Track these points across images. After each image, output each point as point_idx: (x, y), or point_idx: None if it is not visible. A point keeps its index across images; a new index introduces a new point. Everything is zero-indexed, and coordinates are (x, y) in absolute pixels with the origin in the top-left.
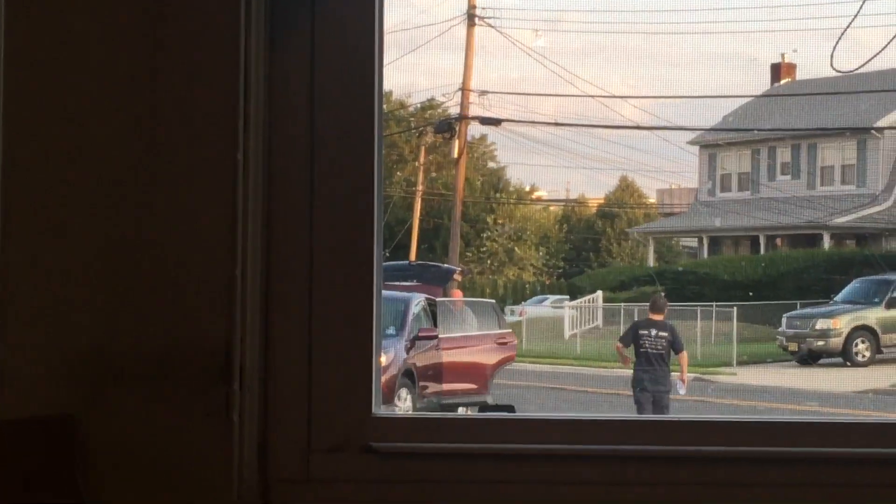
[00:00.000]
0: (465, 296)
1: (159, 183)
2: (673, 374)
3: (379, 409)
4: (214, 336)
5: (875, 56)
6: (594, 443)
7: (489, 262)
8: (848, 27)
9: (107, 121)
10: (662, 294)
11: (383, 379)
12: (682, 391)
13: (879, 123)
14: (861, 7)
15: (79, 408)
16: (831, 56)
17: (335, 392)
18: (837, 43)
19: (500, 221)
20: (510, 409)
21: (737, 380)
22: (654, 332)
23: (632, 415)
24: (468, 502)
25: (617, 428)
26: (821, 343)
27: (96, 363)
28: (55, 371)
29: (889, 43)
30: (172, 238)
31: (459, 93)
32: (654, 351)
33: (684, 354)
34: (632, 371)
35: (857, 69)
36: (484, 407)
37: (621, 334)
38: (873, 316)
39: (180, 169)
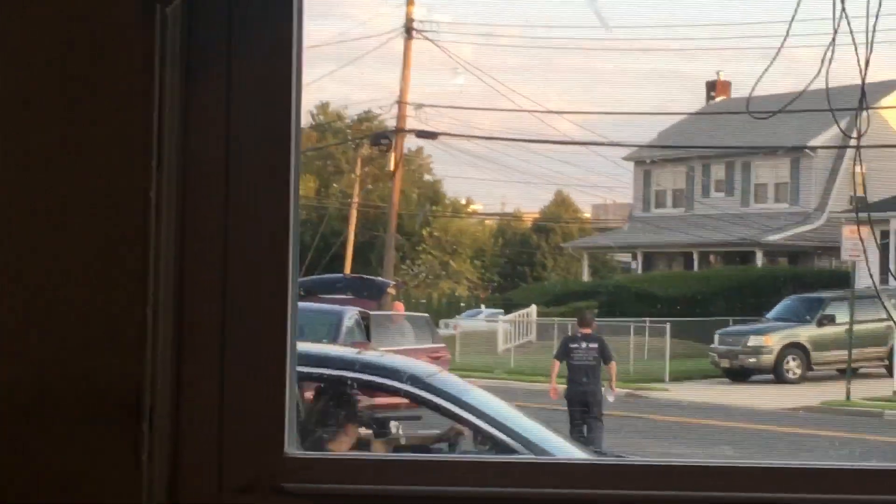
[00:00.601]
0: (400, 308)
1: (70, 219)
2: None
3: (292, 449)
4: (124, 376)
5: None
6: (506, 485)
7: (424, 275)
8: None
9: (15, 152)
10: (591, 310)
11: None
12: (612, 399)
13: (813, 143)
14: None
15: None
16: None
17: (247, 432)
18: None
19: (435, 234)
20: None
21: (669, 395)
22: (584, 344)
23: (543, 458)
24: None
25: (531, 470)
26: (752, 360)
27: (2, 402)
28: None
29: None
30: (82, 275)
31: (396, 105)
32: (585, 363)
33: (613, 365)
34: (565, 385)
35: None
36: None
37: (555, 351)
38: (805, 334)
39: (92, 205)
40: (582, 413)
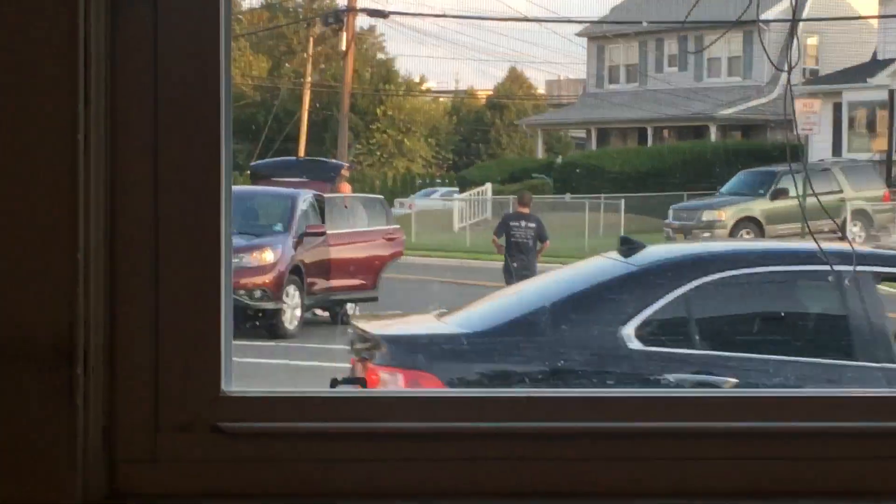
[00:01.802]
0: (355, 190)
1: None
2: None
3: (229, 388)
4: (57, 320)
5: None
6: (452, 420)
7: (378, 154)
8: None
9: None
10: (529, 191)
11: (271, 277)
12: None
13: (766, 16)
14: None
15: None
16: None
17: (183, 371)
18: None
19: (389, 113)
20: (362, 381)
21: None
22: (522, 223)
23: (493, 390)
24: (320, 482)
25: (474, 404)
26: (707, 234)
27: None
28: None
29: None
30: (12, 220)
31: None
32: (523, 240)
33: (547, 244)
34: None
35: None
36: (334, 382)
37: (495, 228)
38: (758, 207)
39: (19, 149)
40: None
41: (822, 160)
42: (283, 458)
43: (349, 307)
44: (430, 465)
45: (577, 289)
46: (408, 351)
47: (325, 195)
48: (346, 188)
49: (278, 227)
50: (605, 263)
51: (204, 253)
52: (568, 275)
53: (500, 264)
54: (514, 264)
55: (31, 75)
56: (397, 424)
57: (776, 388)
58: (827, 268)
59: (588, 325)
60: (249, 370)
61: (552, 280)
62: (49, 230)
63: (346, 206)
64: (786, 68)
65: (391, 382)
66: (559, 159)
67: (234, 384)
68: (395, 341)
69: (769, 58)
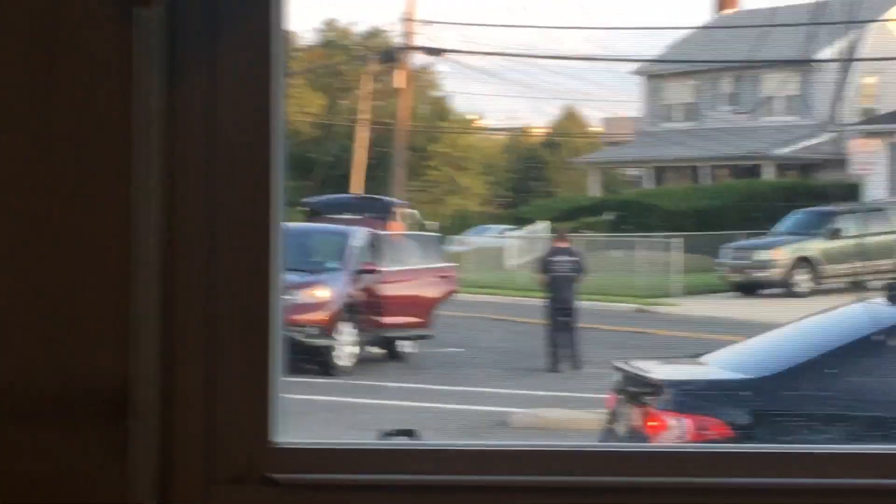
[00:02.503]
0: (409, 228)
1: (55, 219)
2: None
3: (280, 438)
4: (111, 372)
5: None
6: (500, 472)
7: (433, 191)
8: None
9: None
10: (566, 228)
11: (325, 313)
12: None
13: (822, 56)
14: None
15: None
16: None
17: (235, 423)
18: None
19: (443, 150)
20: (411, 433)
21: (679, 310)
22: (565, 258)
23: (542, 443)
24: None
25: (524, 457)
26: (762, 274)
27: None
28: None
29: None
30: (68, 274)
31: (404, 22)
32: (563, 274)
33: (584, 275)
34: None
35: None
36: (385, 434)
37: (538, 266)
38: (814, 247)
39: (75, 202)
40: (560, 319)
41: (877, 200)
42: None
43: (403, 345)
44: None
45: (853, 335)
46: (694, 396)
47: (379, 232)
48: (397, 226)
49: (333, 264)
50: (872, 309)
51: (256, 307)
52: (832, 321)
53: None
54: (556, 296)
55: (89, 137)
56: (447, 477)
57: None
58: None
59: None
60: (302, 407)
61: (811, 326)
62: (104, 285)
63: (397, 243)
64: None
65: (677, 428)
66: (610, 215)
67: (288, 421)
68: (680, 386)
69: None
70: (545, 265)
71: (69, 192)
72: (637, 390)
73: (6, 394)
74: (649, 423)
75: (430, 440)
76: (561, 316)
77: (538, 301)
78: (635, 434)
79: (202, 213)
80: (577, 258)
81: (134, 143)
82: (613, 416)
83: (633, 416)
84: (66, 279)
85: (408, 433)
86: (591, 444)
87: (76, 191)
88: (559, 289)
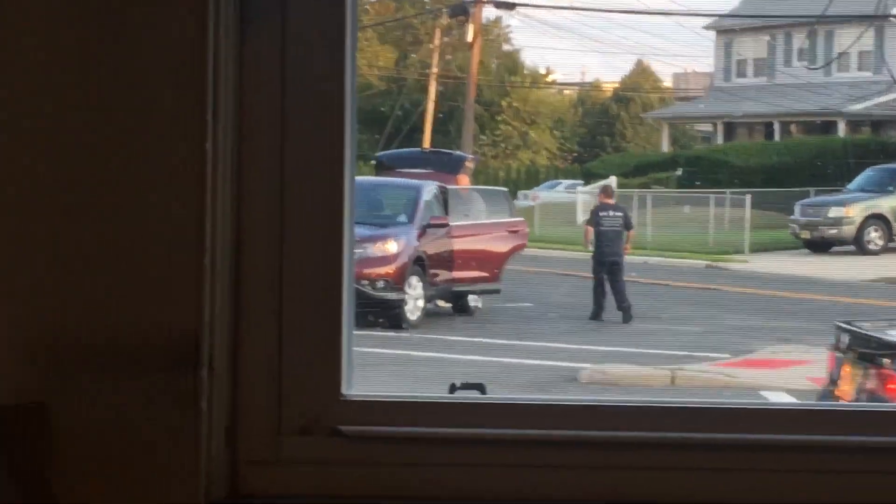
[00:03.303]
0: (478, 182)
1: (125, 166)
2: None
3: (350, 391)
4: (183, 324)
5: None
6: (568, 428)
7: (503, 145)
8: None
9: (69, 101)
10: (610, 185)
11: (394, 267)
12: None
13: None
14: None
15: (46, 396)
16: None
17: (305, 374)
18: None
19: (514, 105)
20: (481, 387)
21: (748, 267)
22: (610, 213)
23: (607, 399)
24: (438, 486)
25: (592, 413)
26: (833, 231)
27: (63, 351)
28: (21, 359)
29: None
30: (140, 227)
31: None
32: (611, 229)
33: (633, 232)
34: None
35: None
36: (453, 388)
37: (587, 218)
38: (887, 204)
39: (148, 155)
40: (608, 272)
41: None
42: (402, 462)
43: (474, 299)
44: (544, 472)
45: None
46: None
47: (449, 186)
48: (464, 180)
49: (402, 218)
50: None
51: (328, 257)
52: None
53: (624, 258)
54: (605, 250)
55: (160, 81)
56: (515, 431)
57: None
58: None
59: None
60: (371, 360)
61: None
62: (176, 236)
63: (466, 197)
64: None
65: None
66: (679, 171)
67: (356, 374)
68: None
69: None
70: (595, 220)
71: (141, 142)
72: (871, 351)
73: (79, 343)
74: (889, 386)
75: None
76: (607, 269)
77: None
78: (871, 396)
79: (273, 165)
80: (621, 213)
81: (207, 95)
82: (832, 377)
83: (866, 377)
84: (138, 229)
85: (477, 387)
86: (660, 400)
87: (149, 141)
88: (606, 243)
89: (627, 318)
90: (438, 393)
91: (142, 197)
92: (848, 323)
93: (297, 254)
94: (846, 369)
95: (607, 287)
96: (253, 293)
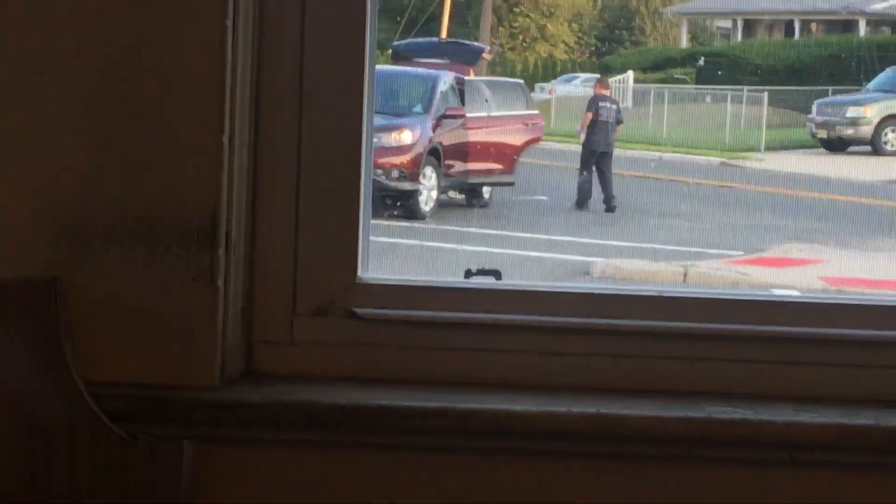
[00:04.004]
0: (495, 74)
1: (145, 44)
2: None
3: (366, 275)
4: (201, 201)
5: None
6: (580, 315)
7: (521, 38)
8: None
9: None
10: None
11: (409, 157)
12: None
13: None
14: None
15: (64, 270)
16: None
17: (321, 256)
18: None
19: None
20: (497, 273)
21: (764, 165)
22: (607, 104)
23: (620, 287)
24: (451, 370)
25: (604, 301)
26: (850, 131)
27: (81, 225)
28: (40, 233)
29: None
30: (159, 101)
31: None
32: (606, 120)
33: (622, 126)
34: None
35: None
36: (468, 273)
37: (587, 106)
38: None
39: (168, 30)
40: (599, 162)
41: None
42: (416, 345)
43: (485, 191)
44: (558, 359)
45: None
46: None
47: (466, 77)
48: (471, 73)
49: (418, 108)
50: None
51: (346, 141)
52: None
53: (639, 154)
54: (598, 139)
55: None
56: (528, 317)
57: None
58: None
59: None
60: (385, 249)
61: None
62: (196, 113)
63: (483, 88)
64: None
65: None
66: (702, 61)
67: (371, 261)
68: None
69: None
70: (594, 108)
71: (162, 19)
72: None
73: (101, 218)
74: None
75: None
76: (598, 158)
77: (623, 151)
78: None
79: (294, 51)
80: (616, 106)
81: None
82: None
83: None
84: (157, 106)
85: (493, 273)
86: (671, 289)
87: (169, 17)
88: (602, 133)
89: (612, 208)
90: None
91: (161, 74)
92: None
93: (316, 139)
94: None
95: (595, 177)
96: (271, 175)
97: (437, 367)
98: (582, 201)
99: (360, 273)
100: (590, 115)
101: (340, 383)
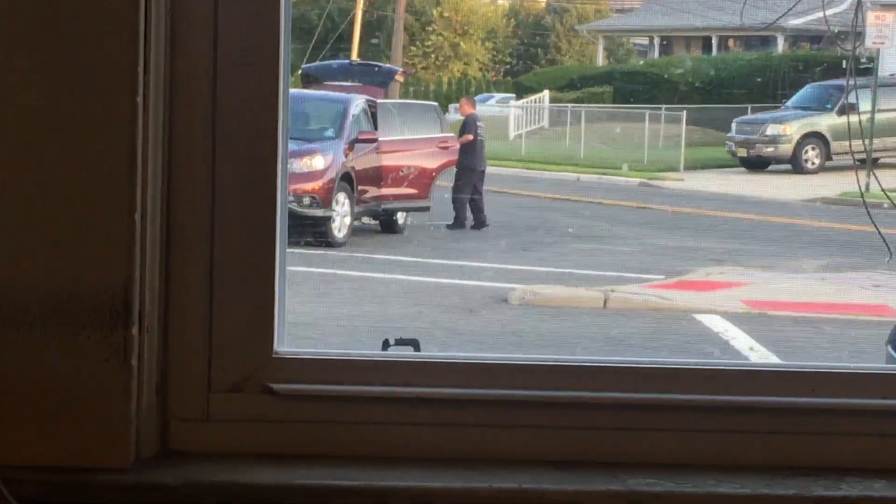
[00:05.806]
0: (409, 95)
1: (55, 122)
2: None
3: (282, 348)
4: (113, 279)
5: None
6: (504, 387)
7: (434, 56)
8: None
9: None
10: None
11: (321, 183)
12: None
13: None
14: None
15: None
16: None
17: (236, 331)
18: None
19: (445, 14)
20: (415, 343)
21: (684, 185)
22: (478, 123)
23: (533, 357)
24: (369, 445)
25: (529, 371)
26: (770, 149)
27: None
28: None
29: None
30: (69, 179)
31: None
32: (482, 138)
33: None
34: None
35: None
36: (385, 344)
37: (465, 130)
38: (825, 122)
39: (78, 108)
40: (477, 183)
41: (892, 75)
42: (334, 420)
43: (400, 216)
44: (479, 431)
45: None
46: None
47: (378, 100)
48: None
49: (329, 132)
50: None
51: (260, 215)
52: None
53: (555, 175)
54: (472, 160)
55: (92, 40)
56: (448, 390)
57: None
58: None
59: None
60: (297, 279)
61: None
62: (106, 191)
63: (396, 111)
64: None
65: None
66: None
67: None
68: None
69: None
70: (473, 130)
71: (72, 95)
72: None
73: (11, 299)
74: None
75: (432, 352)
76: (478, 179)
77: (541, 173)
78: None
79: (205, 121)
80: (482, 124)
81: (139, 49)
82: None
83: None
84: (71, 188)
85: (411, 343)
86: (599, 358)
87: (79, 94)
88: (479, 153)
89: (479, 225)
90: (362, 313)
91: (72, 152)
92: None
93: (229, 214)
94: None
95: (471, 197)
96: (184, 251)
97: (355, 443)
98: (462, 222)
99: (276, 347)
100: (469, 137)
101: (257, 460)
